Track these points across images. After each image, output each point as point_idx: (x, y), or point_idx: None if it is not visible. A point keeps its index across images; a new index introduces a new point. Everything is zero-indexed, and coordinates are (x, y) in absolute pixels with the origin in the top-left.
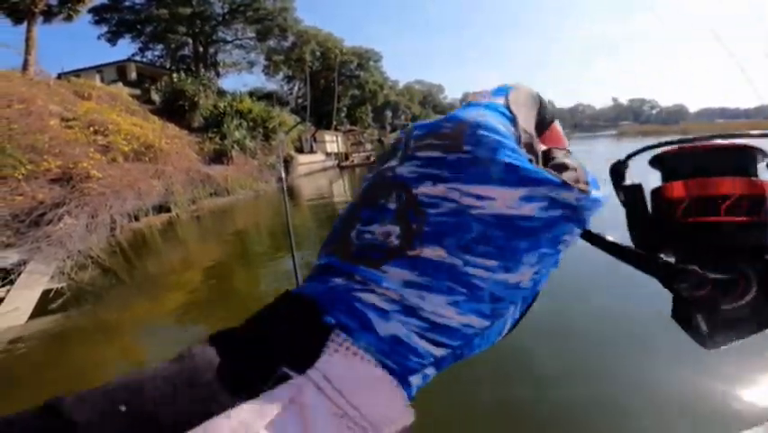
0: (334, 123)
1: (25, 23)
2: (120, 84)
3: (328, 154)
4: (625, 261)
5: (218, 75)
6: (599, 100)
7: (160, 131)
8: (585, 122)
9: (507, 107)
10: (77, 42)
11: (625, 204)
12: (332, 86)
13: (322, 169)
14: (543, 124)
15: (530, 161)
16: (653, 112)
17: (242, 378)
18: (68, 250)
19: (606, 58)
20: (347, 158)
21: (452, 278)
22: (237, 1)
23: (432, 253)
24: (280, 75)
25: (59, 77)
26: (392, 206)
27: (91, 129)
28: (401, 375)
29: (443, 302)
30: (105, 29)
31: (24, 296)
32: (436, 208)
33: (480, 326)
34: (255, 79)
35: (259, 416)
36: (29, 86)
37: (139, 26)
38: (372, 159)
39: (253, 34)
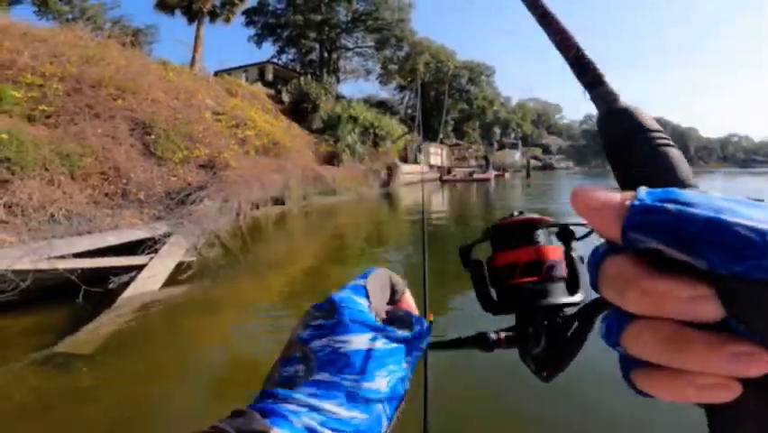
0: (441, 135)
1: (195, 23)
2: (259, 83)
3: (431, 166)
4: (466, 347)
5: (338, 80)
6: (761, 132)
7: (286, 129)
8: (738, 154)
9: (364, 288)
10: (227, 43)
11: (472, 277)
12: (441, 98)
13: (423, 180)
14: (394, 295)
15: (376, 318)
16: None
17: None
18: (203, 228)
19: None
20: (449, 172)
21: (336, 389)
22: (359, 10)
23: (322, 376)
24: (393, 84)
25: (216, 74)
26: (298, 354)
27: (234, 123)
28: None
29: (335, 404)
30: (253, 31)
31: (163, 265)
32: (322, 351)
33: (362, 417)
34: (370, 87)
35: None
36: (193, 80)
37: (278, 30)
38: (475, 175)
39: (372, 43)
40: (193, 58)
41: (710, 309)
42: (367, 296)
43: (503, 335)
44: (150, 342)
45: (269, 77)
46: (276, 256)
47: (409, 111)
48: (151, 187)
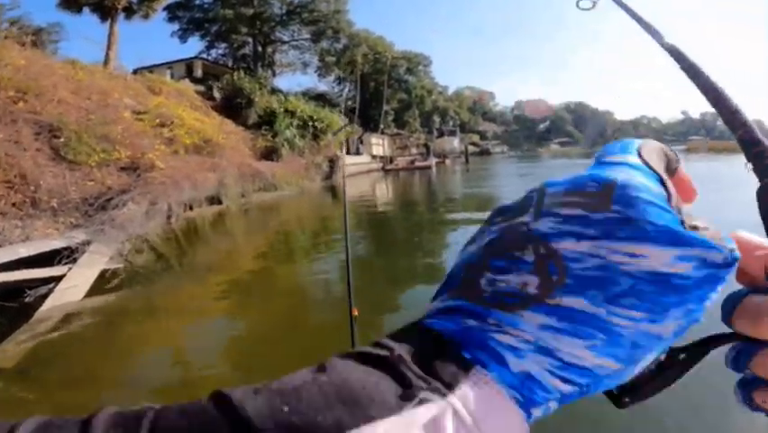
0: (382, 126)
1: (109, 20)
2: (187, 80)
3: (374, 157)
4: None
5: (274, 74)
6: (667, 113)
7: (219, 126)
8: (649, 136)
9: (651, 168)
10: (152, 41)
11: None
12: (381, 89)
13: (367, 171)
14: (671, 172)
15: (681, 222)
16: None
17: (386, 395)
18: (128, 234)
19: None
20: (392, 161)
21: (593, 325)
22: (294, 2)
23: (572, 302)
24: (332, 76)
25: (135, 72)
26: (529, 258)
27: (158, 122)
28: (525, 407)
29: (581, 345)
30: (177, 26)
31: (83, 274)
32: (579, 263)
33: (613, 368)
34: (308, 80)
35: (401, 430)
36: (108, 79)
37: (206, 25)
38: (417, 163)
39: (308, 35)
40: (107, 56)
41: None
42: (661, 181)
43: None
44: (80, 352)
45: (198, 73)
46: (216, 257)
47: (349, 103)
48: (65, 193)
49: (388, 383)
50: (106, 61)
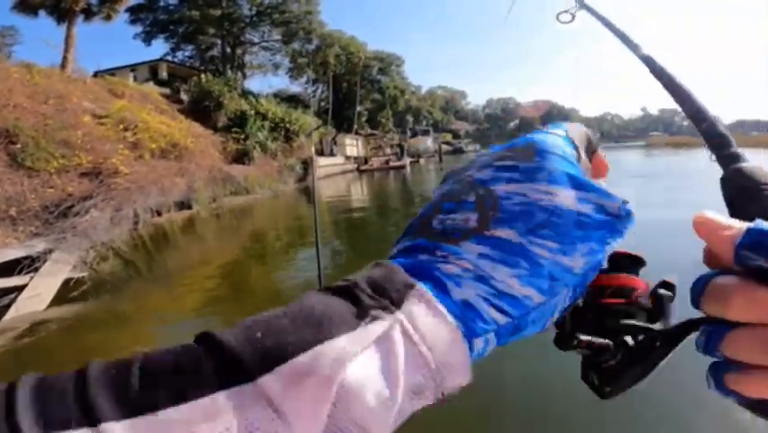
0: (355, 127)
1: (66, 23)
2: (151, 83)
3: (348, 158)
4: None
5: (244, 76)
6: (628, 110)
7: (187, 130)
8: (613, 131)
9: (568, 136)
10: (115, 42)
11: None
12: (354, 90)
13: (341, 172)
14: (590, 148)
15: (584, 173)
16: (685, 123)
17: (344, 316)
18: (92, 241)
19: (635, 66)
20: (366, 162)
21: (519, 253)
22: (264, 3)
23: (504, 233)
24: (304, 78)
25: (96, 75)
26: (471, 198)
27: (121, 126)
28: (467, 336)
29: (509, 274)
30: (140, 29)
31: (46, 283)
32: (509, 200)
33: (538, 300)
34: (280, 81)
35: (358, 344)
36: (66, 83)
37: (171, 27)
38: (391, 163)
39: (279, 37)
40: (64, 59)
41: None
42: (573, 145)
43: (583, 337)
44: (47, 362)
45: (164, 75)
46: (187, 263)
47: (322, 104)
48: (24, 201)
49: (346, 306)
50: (64, 64)
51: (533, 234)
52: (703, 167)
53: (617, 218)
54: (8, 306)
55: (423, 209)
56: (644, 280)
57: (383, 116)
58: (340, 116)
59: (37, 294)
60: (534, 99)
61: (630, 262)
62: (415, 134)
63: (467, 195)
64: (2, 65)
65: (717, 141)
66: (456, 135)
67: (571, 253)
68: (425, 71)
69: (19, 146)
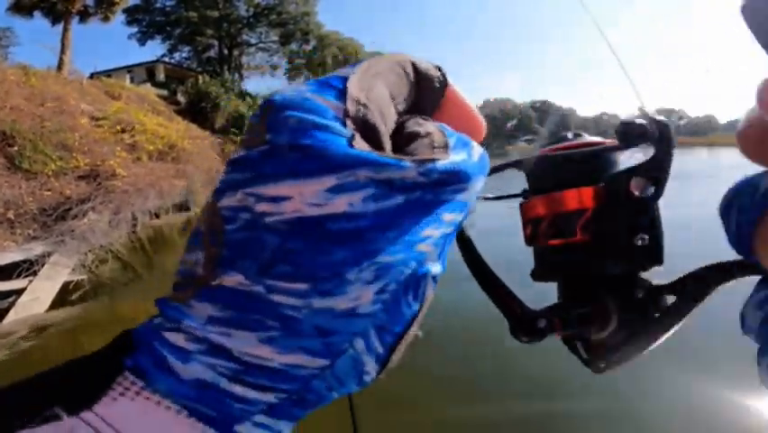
0: None
1: (62, 24)
2: (148, 84)
3: None
4: (484, 291)
5: (242, 77)
6: (625, 110)
7: (184, 131)
8: (609, 131)
9: (342, 78)
10: (111, 43)
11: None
12: None
13: None
14: (431, 95)
15: (351, 138)
16: (681, 123)
17: (7, 416)
18: (91, 244)
19: (633, 66)
20: None
21: (259, 310)
22: (262, 4)
23: (231, 280)
24: (302, 78)
25: (92, 76)
26: (202, 227)
27: (119, 128)
28: (222, 423)
29: (254, 339)
30: (136, 29)
31: (45, 287)
32: (233, 223)
33: (314, 365)
34: (278, 83)
35: None
36: (62, 85)
37: (168, 28)
38: None
39: (276, 38)
40: (61, 60)
41: None
42: (341, 96)
43: (556, 318)
44: (47, 364)
45: (161, 77)
46: None
47: None
48: (22, 204)
49: (14, 404)
50: (60, 66)
51: (266, 276)
52: (701, 167)
53: (431, 188)
54: (7, 309)
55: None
56: (597, 187)
57: None
58: None
59: (36, 297)
60: (531, 99)
61: (588, 162)
62: None
63: (201, 219)
64: None
65: None
66: None
67: (341, 291)
68: None
69: (16, 148)
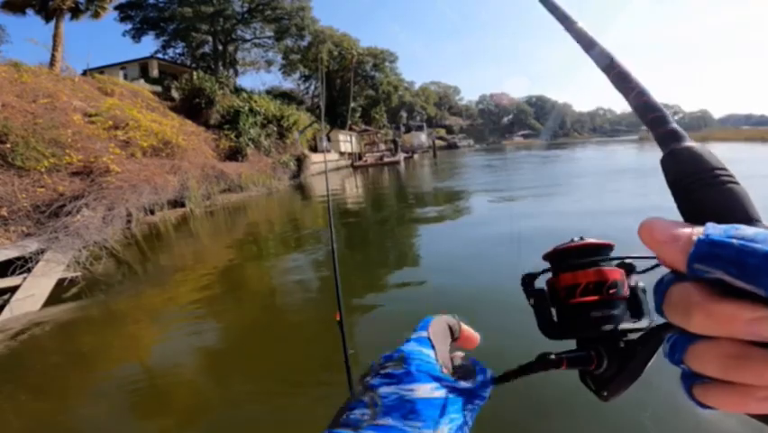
0: (349, 123)
1: (54, 21)
2: (142, 81)
3: (342, 154)
4: (533, 372)
5: (237, 73)
6: (621, 105)
7: (178, 127)
8: (605, 126)
9: (428, 339)
10: (105, 39)
11: (533, 306)
12: (347, 86)
13: (335, 168)
14: (453, 334)
15: (441, 369)
16: (677, 117)
17: None
18: (85, 241)
19: (628, 61)
20: (360, 158)
21: None
22: (256, 0)
23: (386, 421)
24: (297, 74)
25: (85, 73)
26: (366, 400)
27: (112, 124)
28: None
29: None
30: (129, 26)
31: (40, 284)
32: (388, 398)
33: None
34: (273, 78)
35: None
36: (55, 81)
37: (162, 24)
38: (385, 159)
39: (271, 33)
40: (53, 57)
41: None
42: (432, 346)
43: (565, 356)
44: (43, 362)
45: (155, 73)
46: (181, 261)
47: (316, 100)
48: (15, 201)
49: None
50: (52, 63)
51: (405, 419)
52: None
53: (469, 392)
54: (2, 307)
55: (339, 410)
56: (618, 269)
57: (377, 112)
58: (334, 112)
59: (31, 295)
60: (527, 95)
61: (591, 254)
62: (409, 130)
63: (363, 396)
64: None
65: (651, 116)
66: (450, 130)
67: (434, 427)
68: (417, 67)
69: (8, 145)
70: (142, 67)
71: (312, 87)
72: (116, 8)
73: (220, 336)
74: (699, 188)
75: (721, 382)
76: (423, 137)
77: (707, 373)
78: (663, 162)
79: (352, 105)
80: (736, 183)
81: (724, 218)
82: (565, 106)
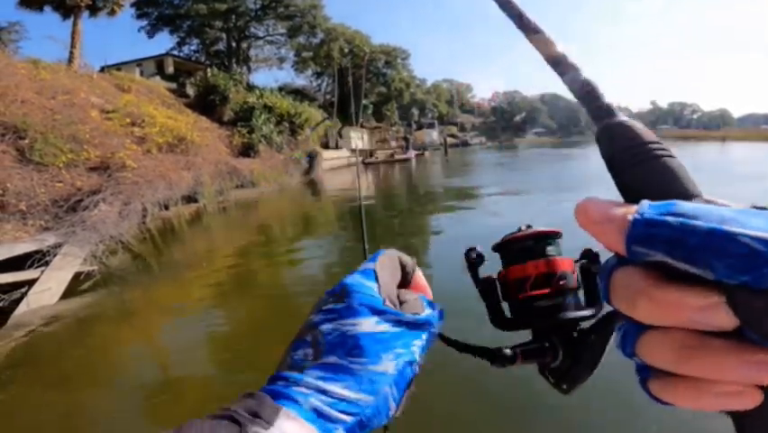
0: (361, 120)
1: (72, 18)
2: (158, 77)
3: (353, 150)
4: (477, 356)
5: (250, 70)
6: (637, 103)
7: (193, 124)
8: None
9: (374, 271)
10: (121, 37)
11: (481, 294)
12: (359, 83)
13: (346, 165)
14: (406, 276)
15: (384, 302)
16: (695, 117)
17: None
18: (101, 235)
19: (644, 58)
20: (372, 155)
21: (343, 371)
22: None
23: (330, 359)
24: (309, 71)
25: (102, 70)
26: (309, 338)
27: (128, 121)
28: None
29: (341, 386)
30: (145, 22)
31: (57, 277)
32: (331, 335)
33: (368, 399)
34: (285, 75)
35: None
36: (73, 78)
37: (177, 21)
38: (396, 157)
39: (284, 31)
40: (71, 54)
41: (723, 317)
42: (376, 279)
43: (519, 350)
44: (59, 355)
45: (170, 70)
46: (194, 257)
47: (328, 97)
48: (33, 195)
49: (229, 427)
50: (70, 60)
51: (349, 355)
52: (712, 158)
53: (415, 325)
54: (19, 300)
55: (285, 351)
56: (568, 258)
57: (388, 109)
58: (345, 109)
59: (48, 288)
60: (540, 93)
61: (539, 243)
62: (420, 127)
63: (305, 335)
64: (8, 61)
65: (585, 91)
66: (462, 128)
67: (378, 362)
68: (429, 64)
69: (27, 141)
70: (158, 64)
71: (324, 84)
72: (133, 5)
73: (233, 331)
74: (635, 164)
75: (676, 376)
76: (434, 134)
77: (659, 366)
78: (598, 138)
79: (364, 102)
80: (672, 156)
81: (662, 195)
82: (578, 104)
